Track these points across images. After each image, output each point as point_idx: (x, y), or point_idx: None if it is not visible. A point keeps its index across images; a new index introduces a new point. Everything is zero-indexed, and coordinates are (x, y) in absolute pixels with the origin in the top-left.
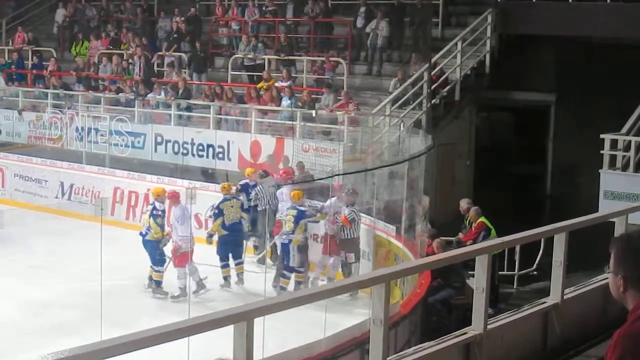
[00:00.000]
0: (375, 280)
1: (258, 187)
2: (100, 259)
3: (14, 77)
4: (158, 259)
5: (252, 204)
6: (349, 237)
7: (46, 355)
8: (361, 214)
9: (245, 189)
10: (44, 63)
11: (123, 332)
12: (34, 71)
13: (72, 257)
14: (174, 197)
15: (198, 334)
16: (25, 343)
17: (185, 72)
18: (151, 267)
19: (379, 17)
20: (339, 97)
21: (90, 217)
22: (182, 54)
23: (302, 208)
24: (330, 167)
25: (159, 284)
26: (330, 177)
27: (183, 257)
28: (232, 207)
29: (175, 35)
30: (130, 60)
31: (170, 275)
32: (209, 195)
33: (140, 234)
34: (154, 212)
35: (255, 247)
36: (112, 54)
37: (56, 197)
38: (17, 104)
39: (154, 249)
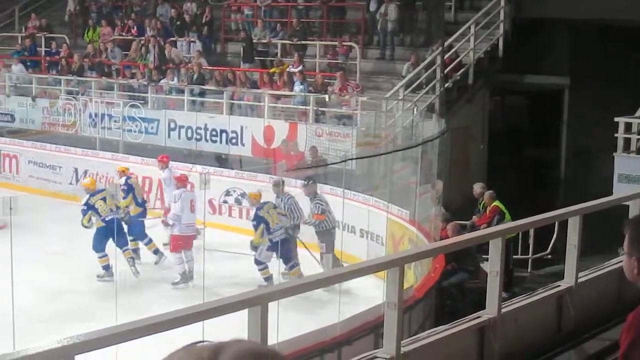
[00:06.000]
0: (389, 264)
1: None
2: (114, 244)
3: (28, 63)
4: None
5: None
6: (323, 228)
7: (63, 339)
8: (360, 198)
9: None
10: (58, 49)
11: (137, 317)
12: (48, 58)
13: (86, 243)
14: (182, 180)
15: (212, 318)
16: (43, 329)
17: (202, 58)
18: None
19: (388, 1)
20: (348, 82)
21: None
22: (196, 40)
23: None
24: (343, 151)
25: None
26: (343, 161)
27: (185, 242)
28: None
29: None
30: (146, 45)
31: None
32: (223, 181)
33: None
34: (131, 192)
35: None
36: (125, 40)
37: (70, 184)
38: (30, 91)
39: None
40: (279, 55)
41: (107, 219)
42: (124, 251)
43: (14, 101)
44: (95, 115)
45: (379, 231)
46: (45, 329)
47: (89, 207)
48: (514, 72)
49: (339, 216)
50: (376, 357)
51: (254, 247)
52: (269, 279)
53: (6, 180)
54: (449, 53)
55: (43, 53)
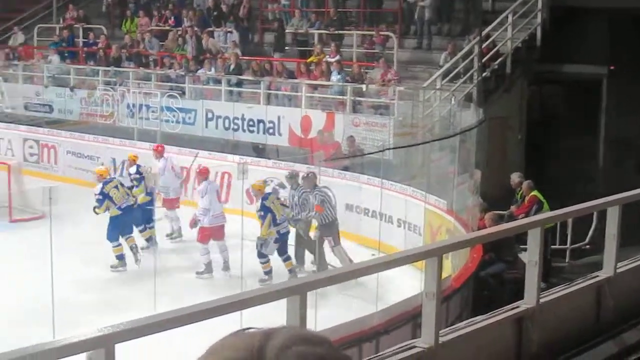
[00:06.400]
0: (427, 254)
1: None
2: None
3: (66, 54)
4: None
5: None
6: (324, 221)
7: (104, 328)
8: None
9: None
10: (96, 40)
11: (174, 307)
12: (85, 48)
13: None
14: (204, 173)
15: (251, 307)
16: (81, 319)
17: (237, 48)
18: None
19: None
20: (388, 70)
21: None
22: (233, 30)
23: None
24: (381, 141)
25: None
26: (380, 151)
27: (214, 233)
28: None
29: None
30: (183, 36)
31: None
32: (260, 171)
33: (138, 204)
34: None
35: None
36: (163, 31)
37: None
38: (68, 82)
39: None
40: (315, 44)
41: (122, 207)
42: (127, 239)
43: (52, 92)
44: (133, 105)
45: (416, 221)
46: (85, 320)
47: (105, 196)
48: (552, 61)
49: (377, 206)
50: (415, 347)
51: (263, 241)
52: (269, 272)
53: (45, 171)
54: (487, 42)
55: (81, 44)
